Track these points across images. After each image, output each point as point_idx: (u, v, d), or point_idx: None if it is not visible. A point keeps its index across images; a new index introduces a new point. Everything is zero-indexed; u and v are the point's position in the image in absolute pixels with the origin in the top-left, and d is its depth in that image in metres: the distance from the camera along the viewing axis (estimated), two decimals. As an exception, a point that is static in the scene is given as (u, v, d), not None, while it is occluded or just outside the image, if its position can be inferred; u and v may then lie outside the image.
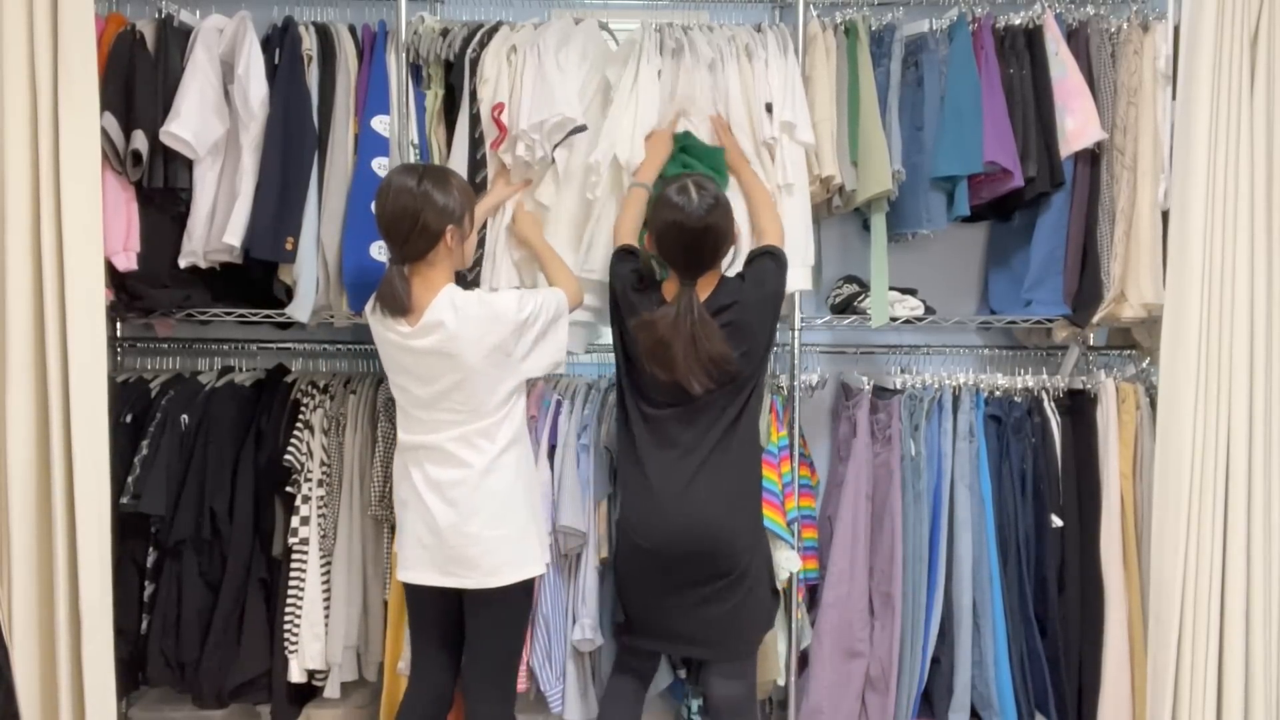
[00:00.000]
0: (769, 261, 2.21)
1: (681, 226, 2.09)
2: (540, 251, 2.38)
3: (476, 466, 2.07)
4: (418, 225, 2.01)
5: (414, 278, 2.05)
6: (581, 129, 2.36)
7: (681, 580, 2.12)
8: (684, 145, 2.41)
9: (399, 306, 2.03)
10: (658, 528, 2.11)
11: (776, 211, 2.37)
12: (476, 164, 2.47)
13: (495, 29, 2.52)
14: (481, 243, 2.47)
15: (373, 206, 2.07)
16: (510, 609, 2.16)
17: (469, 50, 2.48)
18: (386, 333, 2.08)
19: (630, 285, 2.21)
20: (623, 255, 2.26)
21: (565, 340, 2.20)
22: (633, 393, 2.21)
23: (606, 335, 2.70)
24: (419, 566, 2.12)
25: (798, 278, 2.47)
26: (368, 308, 2.13)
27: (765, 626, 2.26)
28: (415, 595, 2.19)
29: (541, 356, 2.15)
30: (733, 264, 2.25)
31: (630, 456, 2.20)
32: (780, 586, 2.54)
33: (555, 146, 2.36)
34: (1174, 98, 2.48)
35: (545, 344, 2.16)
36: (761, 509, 2.27)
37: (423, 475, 2.11)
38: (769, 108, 2.43)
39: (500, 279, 2.44)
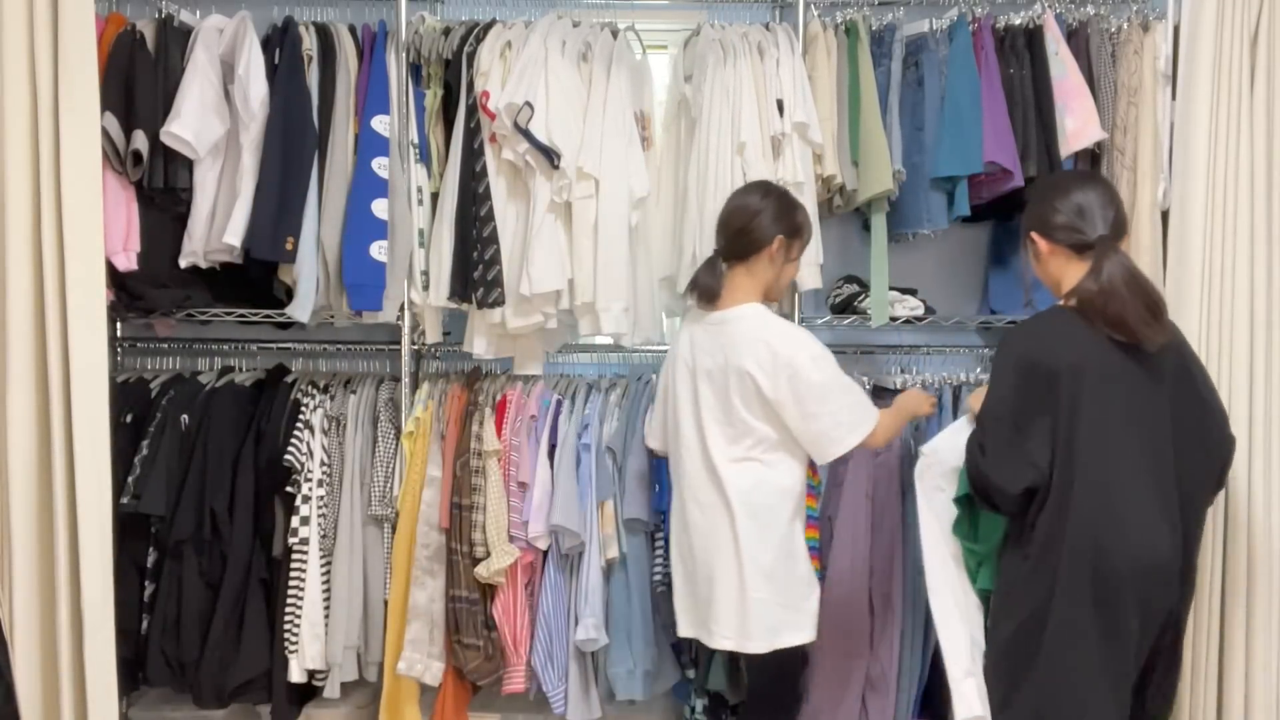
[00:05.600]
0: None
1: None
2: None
3: None
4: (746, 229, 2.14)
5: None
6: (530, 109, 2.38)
7: None
8: None
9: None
10: None
11: None
12: (474, 153, 2.48)
13: (490, 25, 2.54)
14: (492, 232, 2.46)
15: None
16: None
17: (466, 46, 2.50)
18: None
19: None
20: None
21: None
22: None
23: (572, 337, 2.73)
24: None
25: (807, 276, 2.50)
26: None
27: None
28: None
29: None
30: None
31: None
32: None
33: (519, 129, 2.36)
34: (1174, 98, 2.48)
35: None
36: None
37: None
38: (780, 105, 2.44)
39: (536, 268, 2.41)
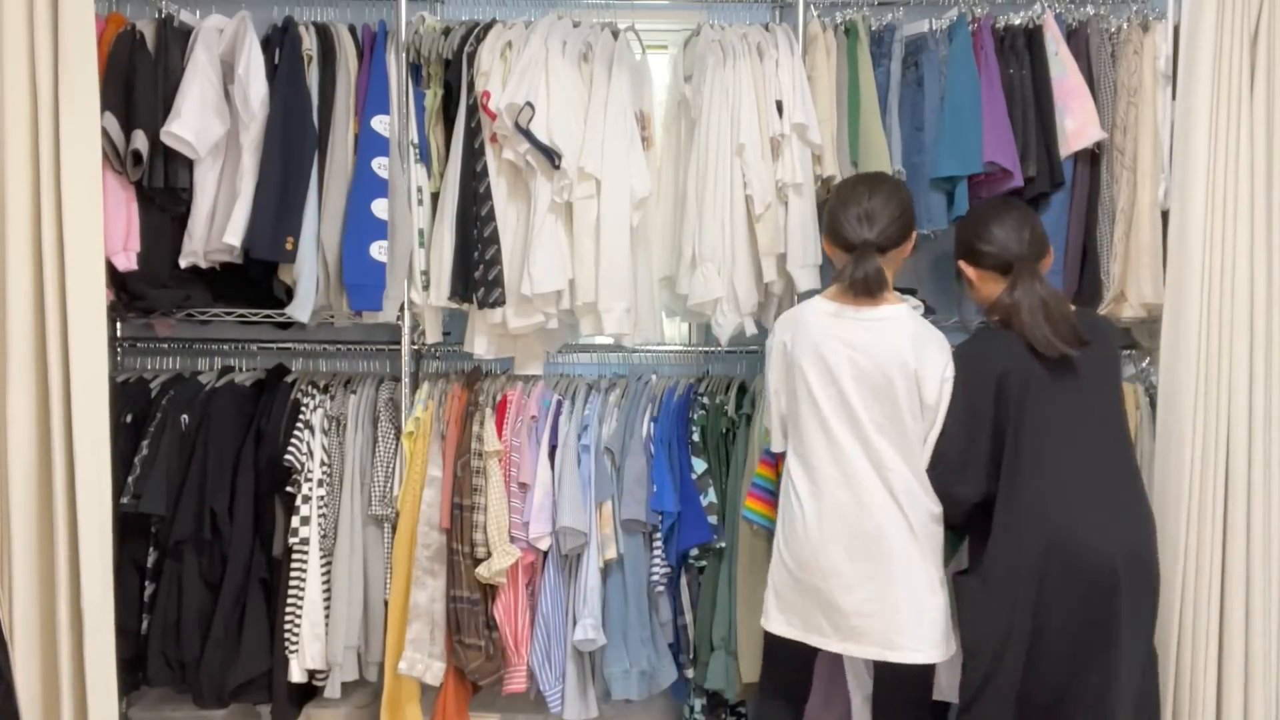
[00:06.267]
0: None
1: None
2: None
3: None
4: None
5: None
6: (531, 109, 2.36)
7: None
8: None
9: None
10: None
11: None
12: (474, 153, 2.48)
13: (490, 26, 2.54)
14: (493, 232, 2.45)
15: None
16: None
17: (466, 46, 2.50)
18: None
19: None
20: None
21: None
22: None
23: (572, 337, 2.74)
24: None
25: (807, 277, 2.50)
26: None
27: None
28: None
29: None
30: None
31: None
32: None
33: (520, 129, 2.36)
34: (1174, 98, 2.48)
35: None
36: None
37: None
38: (779, 105, 2.45)
39: (537, 268, 2.40)
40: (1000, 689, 2.02)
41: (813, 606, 2.09)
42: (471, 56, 2.49)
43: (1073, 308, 2.12)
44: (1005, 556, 2.01)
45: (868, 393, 2.05)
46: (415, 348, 2.73)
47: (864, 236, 2.07)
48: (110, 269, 2.41)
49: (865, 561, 2.03)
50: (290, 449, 2.52)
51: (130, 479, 2.49)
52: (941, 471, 2.09)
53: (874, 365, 2.05)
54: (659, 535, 2.52)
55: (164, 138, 2.39)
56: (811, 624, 2.10)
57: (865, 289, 2.05)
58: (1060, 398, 2.05)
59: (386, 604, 2.58)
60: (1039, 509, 2.00)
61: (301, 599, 2.52)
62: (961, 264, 2.22)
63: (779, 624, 2.16)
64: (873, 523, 2.04)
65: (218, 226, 2.47)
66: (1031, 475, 2.02)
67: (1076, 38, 2.62)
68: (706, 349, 2.91)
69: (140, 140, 2.40)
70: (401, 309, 2.61)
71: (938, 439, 2.10)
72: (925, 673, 2.14)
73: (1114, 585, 1.95)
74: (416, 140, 2.58)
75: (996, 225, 2.15)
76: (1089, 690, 1.98)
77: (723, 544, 2.52)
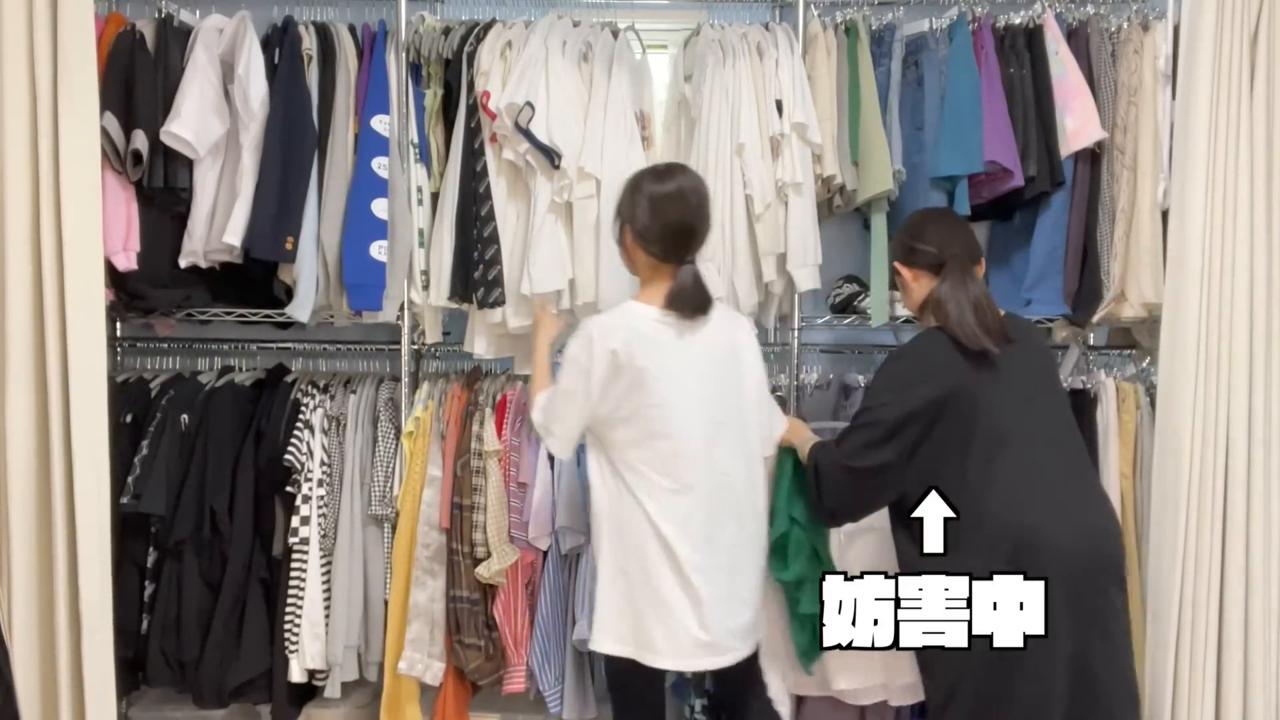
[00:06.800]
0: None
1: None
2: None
3: None
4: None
5: None
6: (531, 109, 2.37)
7: None
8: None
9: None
10: None
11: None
12: (474, 153, 2.48)
13: (490, 25, 2.55)
14: (493, 232, 2.45)
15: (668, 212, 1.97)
16: None
17: (466, 46, 2.51)
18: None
19: None
20: None
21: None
22: None
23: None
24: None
25: (806, 277, 2.51)
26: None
27: None
28: None
29: None
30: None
31: None
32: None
33: (520, 129, 2.36)
34: (1174, 97, 2.48)
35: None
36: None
37: None
38: (779, 105, 2.45)
39: (537, 268, 2.41)
40: (971, 695, 2.00)
41: (653, 622, 1.98)
42: (471, 56, 2.49)
43: (1003, 313, 2.16)
44: (968, 562, 1.98)
45: (716, 394, 2.03)
46: (415, 348, 2.73)
47: (693, 255, 2.01)
48: (110, 269, 2.41)
49: (710, 568, 1.98)
50: (290, 449, 2.52)
51: (130, 479, 2.49)
52: (834, 458, 2.07)
53: (718, 369, 2.05)
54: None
55: (164, 137, 2.40)
56: (651, 642, 1.99)
57: (705, 307, 2.02)
58: (1008, 401, 2.06)
59: (386, 604, 2.58)
60: (999, 514, 1.98)
61: (301, 599, 2.52)
62: (896, 265, 2.24)
63: (616, 645, 2.03)
64: (716, 525, 2.00)
65: (218, 226, 2.47)
66: (985, 484, 2.00)
67: (1077, 37, 2.62)
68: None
69: (140, 140, 2.40)
70: (401, 309, 2.61)
71: (859, 422, 2.08)
72: (754, 665, 2.17)
73: (1087, 570, 1.97)
74: (416, 140, 2.58)
75: (930, 226, 2.21)
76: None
77: (722, 544, 2.52)
